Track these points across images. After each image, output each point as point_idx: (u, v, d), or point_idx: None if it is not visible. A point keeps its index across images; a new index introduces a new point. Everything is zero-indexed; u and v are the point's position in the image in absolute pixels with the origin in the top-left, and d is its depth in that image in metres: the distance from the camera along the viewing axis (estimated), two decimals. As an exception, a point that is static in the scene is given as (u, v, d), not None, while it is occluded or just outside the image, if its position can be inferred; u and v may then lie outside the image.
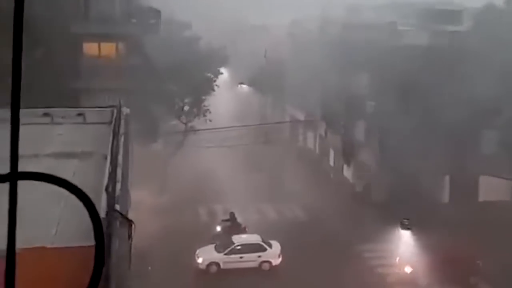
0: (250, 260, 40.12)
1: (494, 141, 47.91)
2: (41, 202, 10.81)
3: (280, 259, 40.57)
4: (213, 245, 41.02)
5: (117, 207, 11.42)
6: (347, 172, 58.95)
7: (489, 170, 46.87)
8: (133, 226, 11.98)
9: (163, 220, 44.48)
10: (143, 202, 40.11)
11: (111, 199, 11.51)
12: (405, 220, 43.18)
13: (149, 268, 36.73)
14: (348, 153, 57.33)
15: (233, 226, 43.79)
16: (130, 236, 11.94)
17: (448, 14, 54.12)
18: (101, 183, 12.18)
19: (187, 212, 48.02)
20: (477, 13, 52.13)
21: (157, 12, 45.34)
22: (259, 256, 40.33)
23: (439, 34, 50.30)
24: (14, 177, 2.64)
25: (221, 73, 56.23)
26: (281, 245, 41.32)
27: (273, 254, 40.56)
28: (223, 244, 40.79)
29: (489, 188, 48.00)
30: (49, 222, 11.04)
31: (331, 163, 63.66)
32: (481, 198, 48.95)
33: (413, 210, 43.19)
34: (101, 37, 43.23)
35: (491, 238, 39.87)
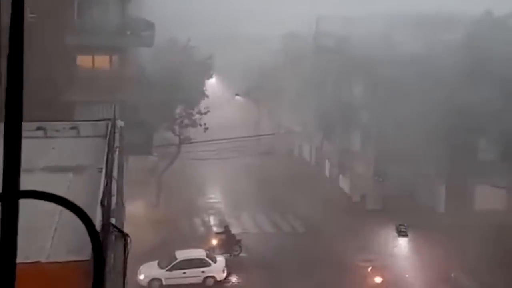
0: (194, 275, 39.31)
1: (491, 150, 47.87)
2: (35, 216, 10.70)
3: (224, 274, 39.96)
4: (156, 261, 40.07)
5: (113, 220, 11.34)
6: (343, 183, 58.88)
7: (485, 179, 46.81)
8: (128, 239, 11.88)
9: (158, 232, 44.31)
10: (138, 215, 40.01)
11: (107, 213, 11.42)
12: (401, 226, 43.22)
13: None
14: (343, 164, 57.29)
15: (228, 239, 43.54)
16: (125, 250, 11.84)
17: (442, 23, 54.18)
18: (96, 196, 12.08)
19: (182, 224, 47.89)
20: (472, 22, 52.19)
21: (151, 24, 45.23)
22: (203, 272, 39.54)
23: (434, 43, 50.32)
24: (13, 195, 2.59)
25: (215, 84, 56.18)
26: (277, 255, 41.11)
27: (218, 269, 39.90)
28: (167, 259, 39.91)
29: (486, 197, 47.91)
30: (43, 236, 10.95)
31: (327, 173, 63.60)
32: (477, 207, 48.85)
33: (409, 219, 43.19)
34: (95, 49, 43.11)
35: (486, 246, 39.80)
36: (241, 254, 43.29)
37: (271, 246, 43.41)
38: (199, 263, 39.72)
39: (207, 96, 53.94)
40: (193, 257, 40.03)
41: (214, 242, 43.31)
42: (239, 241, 43.46)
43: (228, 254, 42.59)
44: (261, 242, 44.57)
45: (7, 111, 2.61)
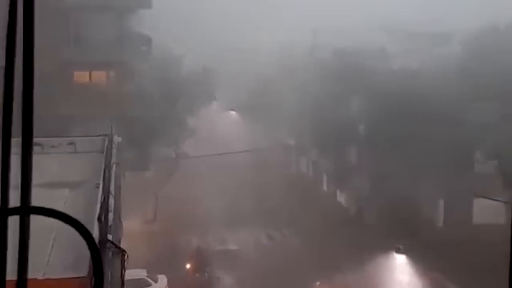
0: None
1: (488, 163, 47.79)
2: (32, 233, 10.63)
3: None
4: None
5: (110, 237, 11.28)
6: (341, 197, 58.82)
7: (483, 192, 46.74)
8: (125, 255, 11.82)
9: (155, 248, 44.17)
10: (135, 231, 39.91)
11: (104, 229, 11.36)
12: (399, 245, 43.13)
13: None
14: (341, 178, 57.20)
15: (199, 259, 42.63)
16: (123, 266, 11.78)
17: (438, 36, 54.31)
18: (93, 212, 12.03)
19: (179, 239, 47.75)
20: (468, 35, 52.22)
21: (148, 39, 45.30)
22: None
23: (429, 56, 50.41)
24: (6, 212, 2.60)
25: (213, 98, 56.31)
26: (274, 269, 40.94)
27: None
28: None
29: (483, 211, 47.81)
30: (40, 253, 10.87)
31: (325, 188, 63.55)
32: (475, 221, 48.76)
33: (407, 234, 43.09)
34: (91, 65, 43.15)
35: (484, 260, 39.71)
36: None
37: (268, 260, 43.29)
38: (140, 283, 37.96)
39: (207, 112, 54.09)
40: (132, 277, 39.28)
41: (188, 266, 42.46)
42: (208, 260, 42.62)
43: (198, 274, 41.91)
44: (259, 255, 44.45)
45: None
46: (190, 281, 40.73)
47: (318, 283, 40.26)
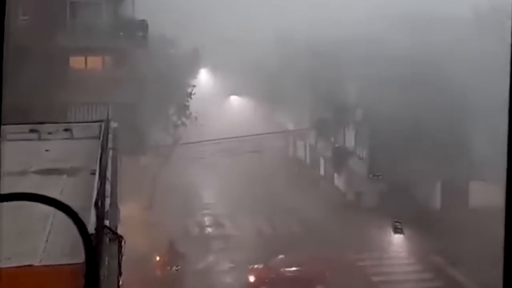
0: None
1: (486, 145, 47.81)
2: (28, 219, 10.64)
3: None
4: None
5: (107, 222, 11.25)
6: (338, 181, 58.88)
7: (479, 175, 46.84)
8: (123, 241, 11.80)
9: (152, 234, 44.15)
10: (132, 217, 39.85)
11: (101, 214, 11.33)
12: (397, 223, 43.23)
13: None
14: (338, 162, 57.26)
15: (171, 253, 42.39)
16: (120, 252, 11.76)
17: (438, 23, 54.04)
18: (90, 198, 12.00)
19: (176, 225, 47.76)
20: (466, 22, 52.03)
21: (145, 25, 45.11)
22: None
23: (428, 43, 50.23)
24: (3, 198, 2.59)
25: (210, 84, 56.24)
26: (272, 255, 41.00)
27: None
28: None
29: (480, 194, 47.88)
30: (37, 240, 10.86)
31: (322, 172, 63.60)
32: (471, 204, 48.85)
33: (405, 217, 43.17)
34: (87, 51, 43.05)
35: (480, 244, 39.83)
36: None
37: (266, 245, 43.33)
38: None
39: (205, 97, 53.97)
40: None
41: (158, 258, 42.17)
42: (183, 255, 42.37)
43: (169, 268, 41.67)
44: (256, 241, 44.50)
45: None
46: (158, 275, 40.30)
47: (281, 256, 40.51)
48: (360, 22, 54.12)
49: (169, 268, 41.13)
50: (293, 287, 38.17)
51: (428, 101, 45.61)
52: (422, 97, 45.59)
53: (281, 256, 41.11)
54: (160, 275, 39.76)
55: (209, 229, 48.40)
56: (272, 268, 39.88)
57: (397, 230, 43.37)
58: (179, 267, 41.75)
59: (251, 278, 39.84)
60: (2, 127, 2.57)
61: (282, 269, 39.58)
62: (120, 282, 12.06)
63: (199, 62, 54.87)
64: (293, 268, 39.68)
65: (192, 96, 53.13)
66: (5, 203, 2.66)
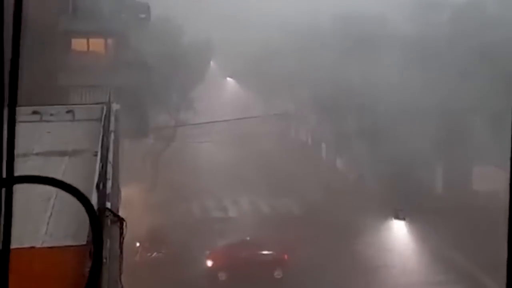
0: None
1: (488, 129, 47.78)
2: (30, 201, 10.64)
3: None
4: None
5: (108, 205, 11.26)
6: (340, 164, 58.88)
7: (482, 159, 46.82)
8: (124, 224, 11.80)
9: (154, 216, 44.21)
10: (134, 199, 39.92)
11: (102, 197, 11.35)
12: (399, 210, 43.25)
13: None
14: (340, 145, 57.25)
15: (153, 241, 42.01)
16: (121, 235, 11.77)
17: (440, 3, 53.82)
18: (92, 181, 12.01)
19: (178, 207, 47.84)
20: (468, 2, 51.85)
21: (147, 7, 45.04)
22: None
23: (431, 23, 50.09)
24: (10, 181, 2.61)
25: (210, 66, 56.14)
26: (274, 238, 41.06)
27: None
28: None
29: (483, 177, 47.90)
30: (38, 222, 10.88)
31: (324, 155, 63.60)
32: (474, 188, 48.87)
33: (407, 200, 43.20)
34: (89, 33, 42.98)
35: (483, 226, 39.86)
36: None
37: (268, 227, 43.38)
38: None
39: (207, 79, 53.97)
40: None
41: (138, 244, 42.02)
42: (166, 241, 42.13)
43: (150, 254, 41.53)
44: (258, 223, 44.55)
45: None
46: (139, 260, 40.10)
47: (208, 252, 40.71)
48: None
49: (149, 254, 41.03)
50: (252, 270, 38.20)
51: (431, 82, 45.50)
52: (426, 78, 45.49)
53: (246, 239, 41.27)
54: (138, 260, 39.50)
55: (209, 211, 48.42)
56: (231, 251, 39.93)
57: (398, 216, 43.38)
58: (161, 253, 41.59)
59: (209, 263, 39.83)
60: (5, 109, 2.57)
61: (242, 253, 39.62)
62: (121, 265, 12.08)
63: (203, 45, 54.70)
64: (254, 252, 39.75)
65: (195, 78, 53.13)
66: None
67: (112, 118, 18.43)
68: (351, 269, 38.46)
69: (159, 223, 43.08)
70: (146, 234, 41.10)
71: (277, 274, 39.18)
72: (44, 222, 10.87)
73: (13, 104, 2.62)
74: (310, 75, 58.31)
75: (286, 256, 39.72)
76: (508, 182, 2.92)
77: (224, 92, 72.43)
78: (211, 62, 59.30)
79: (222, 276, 39.20)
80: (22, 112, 19.37)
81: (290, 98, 68.32)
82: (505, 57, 42.49)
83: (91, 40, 43.77)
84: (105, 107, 20.10)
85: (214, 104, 63.49)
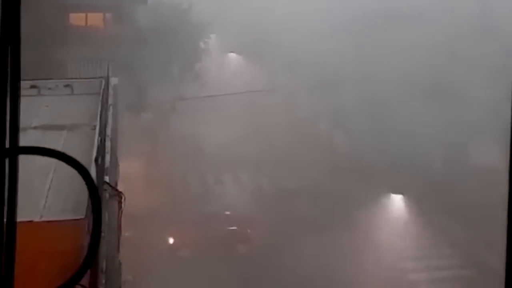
0: None
1: (487, 105, 47.79)
2: (28, 176, 10.63)
3: None
4: None
5: (107, 178, 11.27)
6: (338, 138, 58.85)
7: (479, 135, 46.86)
8: (123, 197, 11.84)
9: (153, 191, 44.28)
10: (132, 173, 39.94)
11: (101, 171, 11.36)
12: (396, 185, 43.40)
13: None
14: (338, 120, 57.22)
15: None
16: (120, 208, 11.80)
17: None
18: (90, 155, 12.01)
19: (178, 182, 47.89)
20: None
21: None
22: None
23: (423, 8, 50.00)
24: (14, 151, 2.63)
25: (211, 40, 56.00)
26: (272, 214, 41.14)
27: None
28: None
29: (481, 154, 47.94)
30: (37, 196, 10.88)
31: (322, 129, 63.54)
32: (472, 163, 48.91)
33: (405, 176, 43.27)
34: (88, 7, 42.82)
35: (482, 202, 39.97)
36: None
37: (267, 202, 43.48)
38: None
39: (208, 53, 53.86)
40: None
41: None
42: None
43: None
44: (257, 198, 44.68)
45: None
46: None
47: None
48: None
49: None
50: (216, 247, 38.26)
51: (431, 59, 45.47)
52: (426, 54, 45.47)
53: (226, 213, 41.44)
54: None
55: (208, 185, 48.48)
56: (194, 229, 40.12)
57: (396, 190, 43.52)
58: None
59: (170, 240, 39.93)
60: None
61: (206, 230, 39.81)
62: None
63: (205, 20, 54.52)
64: (218, 228, 39.96)
65: (199, 51, 53.13)
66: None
67: (111, 92, 18.39)
68: (336, 243, 38.44)
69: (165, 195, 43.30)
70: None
71: (240, 249, 39.37)
72: (42, 196, 10.88)
73: (16, 77, 2.67)
74: (308, 50, 58.19)
75: (249, 231, 39.98)
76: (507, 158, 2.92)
77: (226, 67, 72.13)
78: (212, 36, 59.13)
79: (184, 253, 39.22)
80: (21, 86, 19.31)
81: (290, 74, 68.08)
82: (506, 31, 42.52)
83: (89, 15, 43.64)
84: (103, 81, 20.05)
85: (215, 78, 63.28)
